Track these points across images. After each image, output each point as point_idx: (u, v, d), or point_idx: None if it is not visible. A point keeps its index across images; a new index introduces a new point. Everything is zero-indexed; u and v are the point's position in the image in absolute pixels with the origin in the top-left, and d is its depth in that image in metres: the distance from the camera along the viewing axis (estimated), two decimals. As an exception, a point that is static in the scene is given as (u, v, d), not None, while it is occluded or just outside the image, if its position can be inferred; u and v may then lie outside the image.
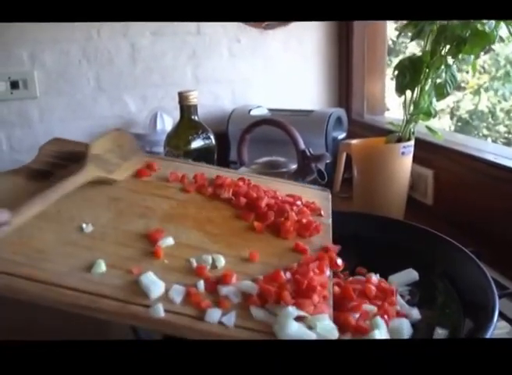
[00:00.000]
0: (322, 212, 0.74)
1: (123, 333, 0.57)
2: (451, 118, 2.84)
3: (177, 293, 0.52)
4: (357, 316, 0.58)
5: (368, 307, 0.61)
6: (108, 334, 0.63)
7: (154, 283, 0.52)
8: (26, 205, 0.57)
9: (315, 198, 0.78)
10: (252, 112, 1.38)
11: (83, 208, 0.63)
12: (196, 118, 0.98)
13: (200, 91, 1.41)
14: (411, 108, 0.98)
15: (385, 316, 0.59)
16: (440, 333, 0.62)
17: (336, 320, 0.53)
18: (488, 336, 0.55)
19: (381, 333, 0.56)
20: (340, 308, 0.58)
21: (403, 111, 1.01)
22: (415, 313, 0.65)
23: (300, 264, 0.59)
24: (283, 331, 0.49)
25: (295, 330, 0.49)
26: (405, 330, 0.61)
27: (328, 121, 1.23)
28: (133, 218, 0.64)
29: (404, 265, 0.74)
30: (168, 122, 1.36)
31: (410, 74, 0.95)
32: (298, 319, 0.50)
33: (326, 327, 0.50)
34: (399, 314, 0.63)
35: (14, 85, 1.32)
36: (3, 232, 0.53)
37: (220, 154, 1.33)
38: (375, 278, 0.68)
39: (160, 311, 0.49)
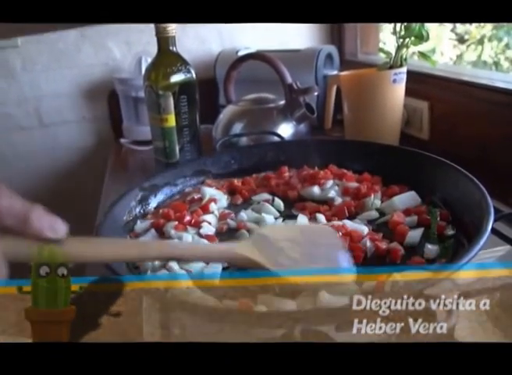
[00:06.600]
0: None
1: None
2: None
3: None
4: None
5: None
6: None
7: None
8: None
9: None
10: (240, 54, 1.31)
11: None
12: (174, 49, 0.92)
13: (185, 36, 1.37)
14: (402, 31, 0.93)
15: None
16: (430, 248, 0.59)
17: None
18: (478, 248, 0.50)
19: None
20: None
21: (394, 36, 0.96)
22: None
23: None
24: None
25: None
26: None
27: (317, 57, 1.17)
28: None
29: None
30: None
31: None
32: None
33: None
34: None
35: (-7, 34, 1.27)
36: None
37: (209, 100, 1.29)
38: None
39: None
